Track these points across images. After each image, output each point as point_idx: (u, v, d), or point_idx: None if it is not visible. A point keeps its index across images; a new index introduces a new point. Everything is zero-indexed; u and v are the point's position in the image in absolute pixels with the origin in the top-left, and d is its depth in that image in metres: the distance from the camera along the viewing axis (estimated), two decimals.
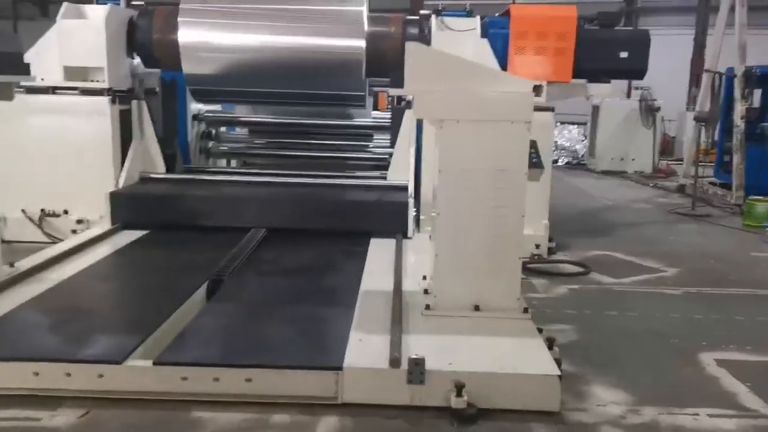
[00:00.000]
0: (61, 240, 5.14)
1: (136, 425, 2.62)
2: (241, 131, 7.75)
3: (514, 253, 3.48)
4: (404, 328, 3.24)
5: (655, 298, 4.54)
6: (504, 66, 5.53)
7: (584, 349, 3.55)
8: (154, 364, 2.81)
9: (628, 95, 15.06)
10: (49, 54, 5.26)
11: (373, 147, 7.18)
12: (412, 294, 3.77)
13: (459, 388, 2.70)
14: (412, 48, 3.35)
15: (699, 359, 3.44)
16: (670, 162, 12.89)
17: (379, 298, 3.69)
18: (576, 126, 14.51)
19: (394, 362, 2.80)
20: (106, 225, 5.11)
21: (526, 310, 3.47)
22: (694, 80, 15.10)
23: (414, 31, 5.65)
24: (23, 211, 5.41)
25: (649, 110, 12.26)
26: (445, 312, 3.47)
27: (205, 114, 7.04)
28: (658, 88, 12.70)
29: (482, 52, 5.27)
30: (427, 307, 3.49)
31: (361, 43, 5.36)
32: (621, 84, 15.45)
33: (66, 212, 5.47)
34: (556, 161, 13.72)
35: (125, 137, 5.57)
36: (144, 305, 3.65)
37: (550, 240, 5.66)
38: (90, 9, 5.45)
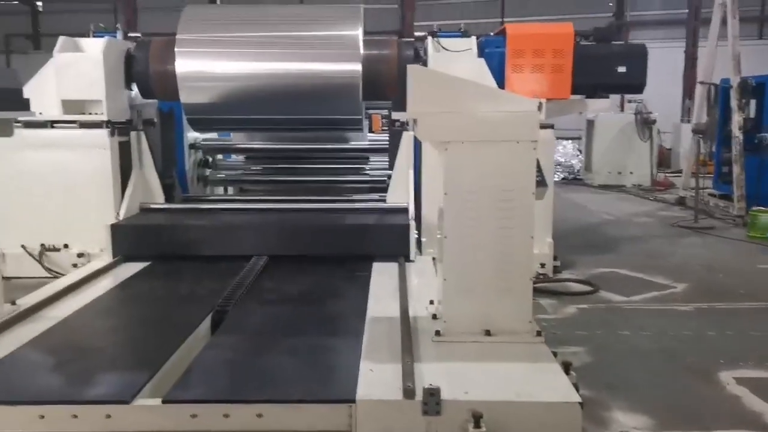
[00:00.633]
0: (62, 275, 5.06)
1: None
2: (237, 158, 7.74)
3: (523, 274, 3.43)
4: (415, 355, 3.17)
5: (666, 315, 4.49)
6: (501, 85, 5.53)
7: (599, 372, 3.48)
8: (163, 402, 2.73)
9: (622, 108, 15.13)
10: (46, 88, 5.24)
11: (369, 169, 7.17)
12: (420, 319, 3.70)
13: (477, 419, 2.62)
14: (413, 70, 3.32)
15: (718, 378, 3.38)
16: (668, 174, 12.91)
17: (386, 325, 3.62)
18: (570, 141, 14.56)
19: (408, 393, 2.73)
20: (107, 258, 5.04)
21: (539, 333, 3.40)
22: (688, 92, 15.20)
23: (410, 53, 5.64)
24: (23, 246, 5.35)
25: (645, 123, 12.30)
26: (456, 337, 3.40)
27: (202, 142, 7.04)
28: (651, 101, 12.76)
29: (480, 71, 5.25)
30: (437, 333, 3.42)
31: (358, 67, 5.35)
32: (614, 98, 15.55)
33: (66, 246, 5.42)
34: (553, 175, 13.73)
35: (124, 168, 5.54)
36: (149, 340, 3.58)
37: (555, 258, 5.61)
38: (87, 42, 5.45)
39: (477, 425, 2.61)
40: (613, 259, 6.17)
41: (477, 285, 3.42)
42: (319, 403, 2.75)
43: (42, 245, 5.34)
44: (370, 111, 7.74)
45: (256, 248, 5.06)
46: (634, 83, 5.91)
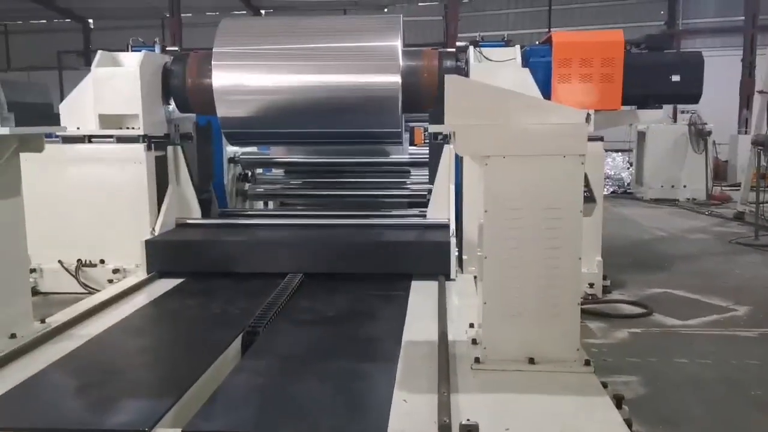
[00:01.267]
0: (98, 290, 5.03)
1: None
2: (277, 172, 7.67)
3: (571, 298, 3.18)
4: (452, 385, 2.96)
5: (727, 341, 4.15)
6: (547, 96, 5.28)
7: (654, 405, 3.19)
8: None
9: (675, 119, 14.62)
10: (84, 102, 5.25)
11: (410, 183, 6.99)
12: (459, 344, 3.49)
13: None
14: (451, 81, 3.13)
15: None
16: (724, 187, 12.33)
17: (423, 350, 3.42)
18: (620, 153, 14.09)
19: (444, 429, 2.51)
20: (141, 274, 4.98)
21: (587, 363, 3.14)
22: (744, 102, 14.58)
23: (451, 63, 5.46)
24: (60, 261, 5.34)
25: (699, 134, 11.78)
26: (497, 366, 3.17)
27: (241, 156, 6.98)
28: (705, 112, 12.25)
29: (523, 82, 5.04)
30: (477, 360, 3.19)
31: (397, 79, 5.19)
32: (666, 108, 15.03)
33: (102, 262, 5.39)
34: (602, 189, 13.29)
35: (161, 183, 5.49)
36: (175, 363, 3.45)
37: (604, 278, 5.31)
38: (124, 56, 5.43)
39: None
40: (667, 278, 5.80)
41: (520, 309, 3.19)
42: None
43: (78, 260, 5.32)
44: (411, 124, 7.57)
45: (292, 265, 4.93)
46: (690, 93, 5.57)
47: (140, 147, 5.24)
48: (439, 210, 5.42)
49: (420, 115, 6.16)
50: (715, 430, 2.92)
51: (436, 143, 5.61)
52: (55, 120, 3.64)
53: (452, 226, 5.11)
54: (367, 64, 5.24)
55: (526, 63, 5.42)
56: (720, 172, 14.10)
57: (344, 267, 4.94)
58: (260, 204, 7.67)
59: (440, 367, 3.12)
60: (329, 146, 6.36)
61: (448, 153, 5.33)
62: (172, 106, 5.70)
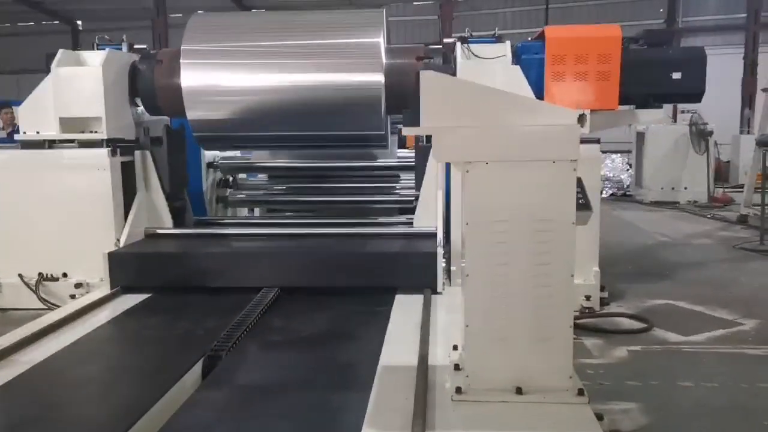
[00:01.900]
0: (58, 306, 4.69)
1: None
2: (261, 177, 7.33)
3: (563, 320, 2.83)
4: (429, 420, 2.62)
5: (735, 361, 3.80)
6: (540, 95, 4.95)
7: None
8: None
9: (675, 119, 14.28)
10: (44, 105, 4.91)
11: (400, 189, 6.65)
12: (441, 369, 3.14)
13: None
14: (427, 78, 2.79)
15: None
16: (726, 189, 11.99)
17: (400, 377, 3.07)
18: (619, 155, 13.74)
19: None
20: (106, 289, 4.64)
21: (581, 392, 2.79)
22: (747, 101, 14.24)
23: (438, 61, 5.12)
24: (20, 275, 4.99)
25: (700, 135, 11.44)
26: (480, 396, 2.82)
27: (220, 161, 6.64)
28: (707, 111, 11.92)
29: (514, 80, 4.70)
30: (458, 390, 2.84)
31: (379, 78, 4.84)
32: (666, 108, 14.69)
33: (65, 275, 5.05)
34: (600, 193, 12.95)
35: (129, 191, 5.15)
36: (124, 394, 3.10)
37: (602, 289, 4.97)
38: (88, 55, 5.09)
39: None
40: (669, 288, 5.46)
41: (506, 333, 2.85)
42: None
43: (40, 274, 4.97)
44: (401, 125, 7.22)
45: (266, 279, 4.58)
46: (692, 91, 5.23)
47: (104, 152, 4.89)
48: (427, 218, 5.08)
49: None
50: None
51: (423, 146, 5.27)
52: None
53: (440, 235, 4.76)
54: (347, 62, 4.90)
55: (517, 60, 5.09)
56: (721, 173, 13.76)
57: (322, 281, 4.60)
58: (245, 211, 7.35)
59: (416, 399, 2.77)
60: (310, 150, 6.01)
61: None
62: (141, 108, 5.36)
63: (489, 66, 4.82)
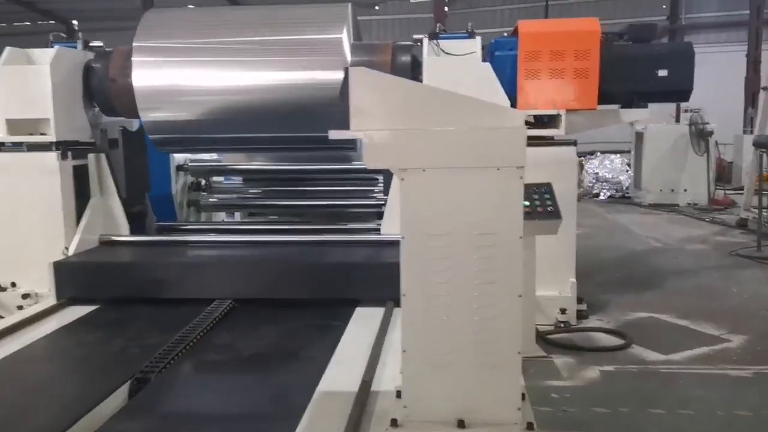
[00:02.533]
0: (2, 317, 4.43)
1: None
2: (236, 180, 7.06)
3: (510, 345, 2.54)
4: None
5: (716, 383, 3.50)
6: (515, 95, 4.65)
7: None
8: None
9: (677, 119, 13.91)
10: None
11: (377, 192, 6.37)
12: (384, 396, 2.86)
13: None
14: (356, 74, 2.50)
15: None
16: (728, 191, 11.61)
17: (336, 404, 2.79)
18: (618, 155, 13.36)
19: None
20: (51, 300, 4.38)
21: (530, 426, 2.50)
22: (750, 99, 13.84)
23: (406, 58, 4.82)
24: None
25: (700, 135, 11.06)
26: (418, 429, 2.53)
27: (190, 164, 6.38)
28: (710, 110, 11.55)
29: (484, 78, 4.39)
30: (394, 423, 2.56)
31: (341, 76, 4.54)
32: (669, 107, 14.31)
33: (14, 285, 4.80)
34: (597, 195, 12.61)
35: (83, 196, 4.89)
36: (37, 420, 2.82)
37: (581, 301, 4.66)
38: (39, 53, 4.82)
39: None
40: (655, 299, 5.15)
41: (447, 359, 2.56)
42: None
43: None
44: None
45: (219, 291, 4.31)
46: (679, 89, 4.90)
47: (53, 156, 4.63)
48: (395, 225, 4.77)
49: None
50: None
51: None
52: None
53: None
54: (308, 59, 4.61)
55: (491, 57, 4.80)
56: (724, 174, 13.37)
57: (279, 292, 4.32)
58: (222, 215, 7.10)
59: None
60: (273, 152, 5.74)
61: None
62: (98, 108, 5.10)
63: (458, 63, 4.52)
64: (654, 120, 10.99)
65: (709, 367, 3.73)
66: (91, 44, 5.15)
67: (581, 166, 12.61)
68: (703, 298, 5.23)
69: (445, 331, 2.54)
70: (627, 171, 13.09)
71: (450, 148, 2.49)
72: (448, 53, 4.66)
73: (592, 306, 4.84)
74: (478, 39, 4.65)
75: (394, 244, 4.50)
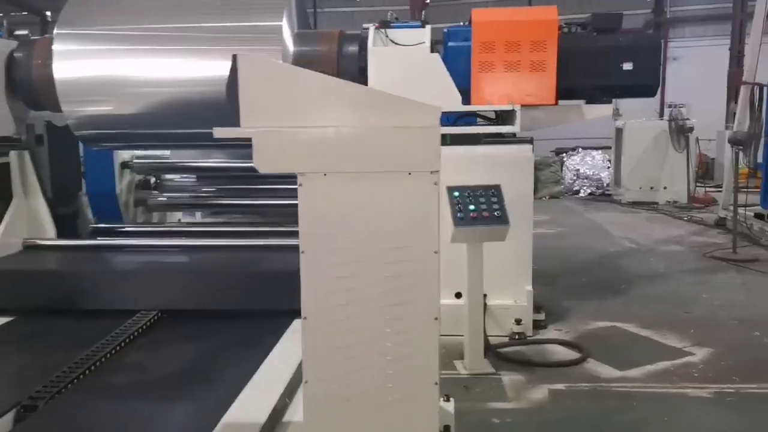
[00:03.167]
0: None
1: None
2: (189, 178, 6.70)
3: (425, 375, 2.23)
4: None
5: (672, 405, 3.20)
6: (468, 87, 4.33)
7: None
8: None
9: (661, 115, 13.65)
10: None
11: None
12: (295, 428, 2.53)
13: None
14: (245, 63, 2.17)
15: None
16: (708, 189, 11.35)
17: None
18: (600, 151, 13.09)
19: None
20: None
21: None
22: (733, 94, 13.57)
23: (353, 48, 4.48)
24: None
25: (680, 131, 10.79)
26: None
27: (135, 161, 6.01)
28: (694, 105, 11.31)
29: (432, 69, 4.07)
30: None
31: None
32: (653, 102, 14.02)
33: None
34: (577, 192, 12.34)
35: (5, 197, 4.53)
36: None
37: (539, 310, 4.35)
38: None
39: None
40: (621, 307, 4.85)
41: (353, 391, 2.24)
42: None
43: None
44: None
45: (144, 301, 3.96)
46: (644, 84, 4.61)
47: None
48: None
49: None
50: None
51: None
52: None
53: None
54: (244, 49, 4.24)
55: (444, 48, 4.47)
56: (706, 170, 13.12)
57: (209, 302, 3.97)
58: (178, 215, 6.74)
59: None
60: (212, 150, 5.38)
61: None
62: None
63: (405, 54, 4.19)
64: (634, 116, 10.72)
65: (666, 386, 3.44)
66: (15, 32, 4.78)
67: (561, 164, 12.33)
68: (671, 305, 4.94)
69: (348, 360, 2.21)
70: (608, 168, 12.83)
71: (354, 149, 2.16)
72: (395, 43, 4.33)
73: (553, 314, 4.54)
74: (428, 28, 4.32)
75: None
